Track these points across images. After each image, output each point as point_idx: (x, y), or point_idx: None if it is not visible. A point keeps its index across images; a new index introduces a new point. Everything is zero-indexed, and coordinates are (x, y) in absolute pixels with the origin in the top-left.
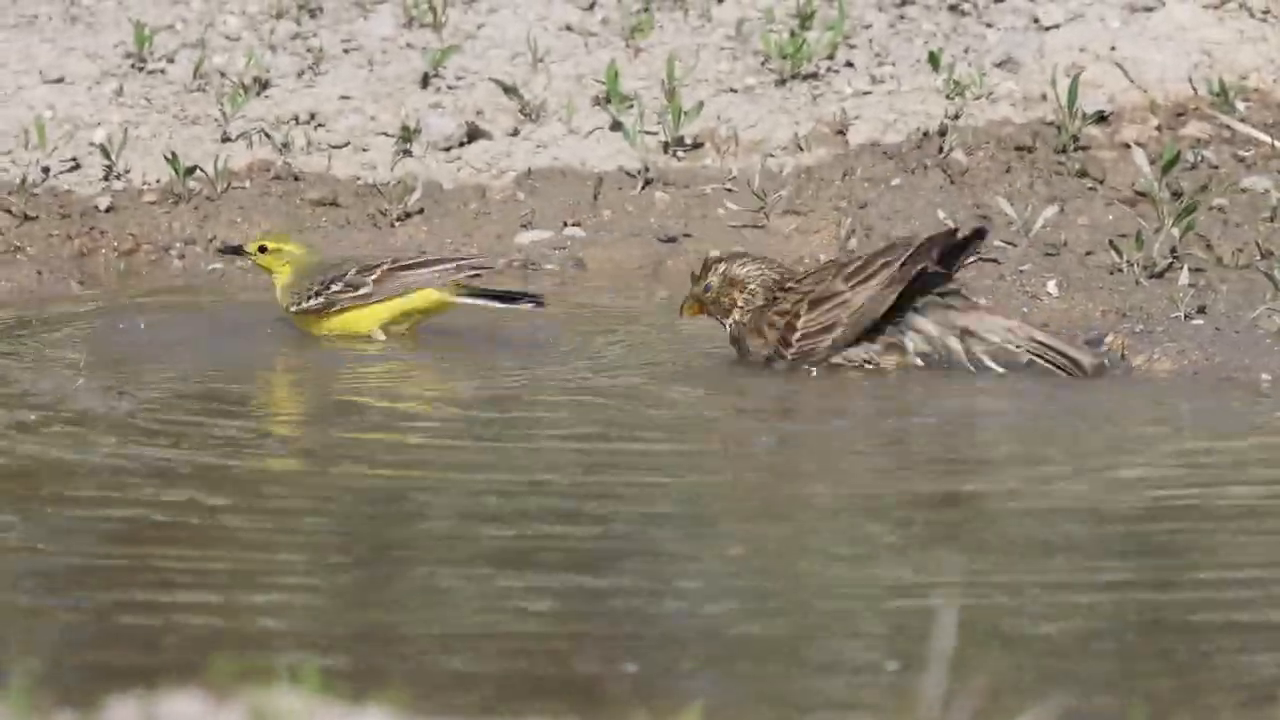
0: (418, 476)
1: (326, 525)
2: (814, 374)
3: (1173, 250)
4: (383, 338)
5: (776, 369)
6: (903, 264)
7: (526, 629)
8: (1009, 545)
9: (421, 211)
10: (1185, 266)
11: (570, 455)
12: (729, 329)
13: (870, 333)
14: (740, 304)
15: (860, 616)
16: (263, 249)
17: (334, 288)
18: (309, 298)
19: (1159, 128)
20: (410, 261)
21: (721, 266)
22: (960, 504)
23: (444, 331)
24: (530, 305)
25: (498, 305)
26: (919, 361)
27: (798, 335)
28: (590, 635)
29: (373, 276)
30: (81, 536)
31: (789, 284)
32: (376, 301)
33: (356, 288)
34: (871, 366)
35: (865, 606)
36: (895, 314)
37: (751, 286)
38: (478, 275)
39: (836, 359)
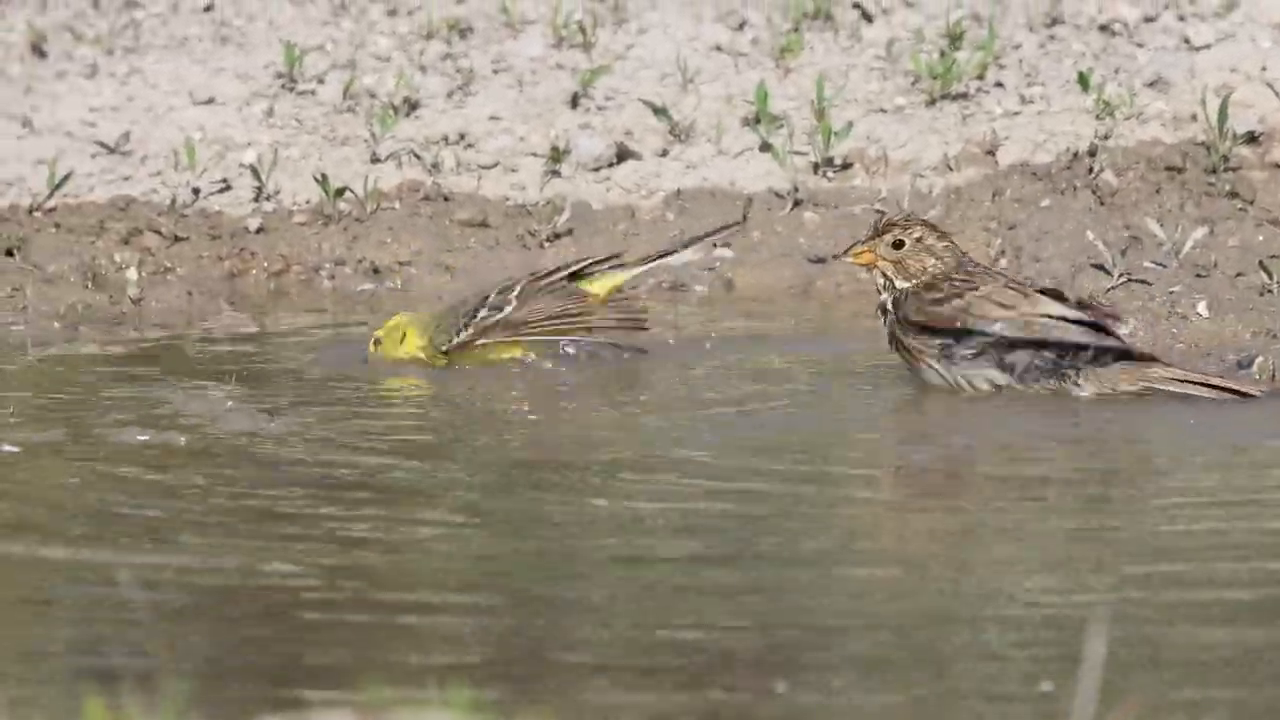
0: (575, 501)
1: (482, 548)
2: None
3: None
4: (532, 358)
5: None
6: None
7: (679, 650)
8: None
9: (570, 232)
10: None
11: (724, 484)
12: (892, 297)
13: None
14: (928, 269)
15: (1013, 636)
16: (377, 341)
17: (481, 314)
18: (457, 333)
19: None
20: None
21: (919, 230)
22: (1129, 526)
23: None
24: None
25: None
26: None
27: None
28: (740, 657)
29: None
30: (235, 556)
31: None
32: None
33: (501, 309)
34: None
35: (1019, 626)
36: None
37: (940, 260)
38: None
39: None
